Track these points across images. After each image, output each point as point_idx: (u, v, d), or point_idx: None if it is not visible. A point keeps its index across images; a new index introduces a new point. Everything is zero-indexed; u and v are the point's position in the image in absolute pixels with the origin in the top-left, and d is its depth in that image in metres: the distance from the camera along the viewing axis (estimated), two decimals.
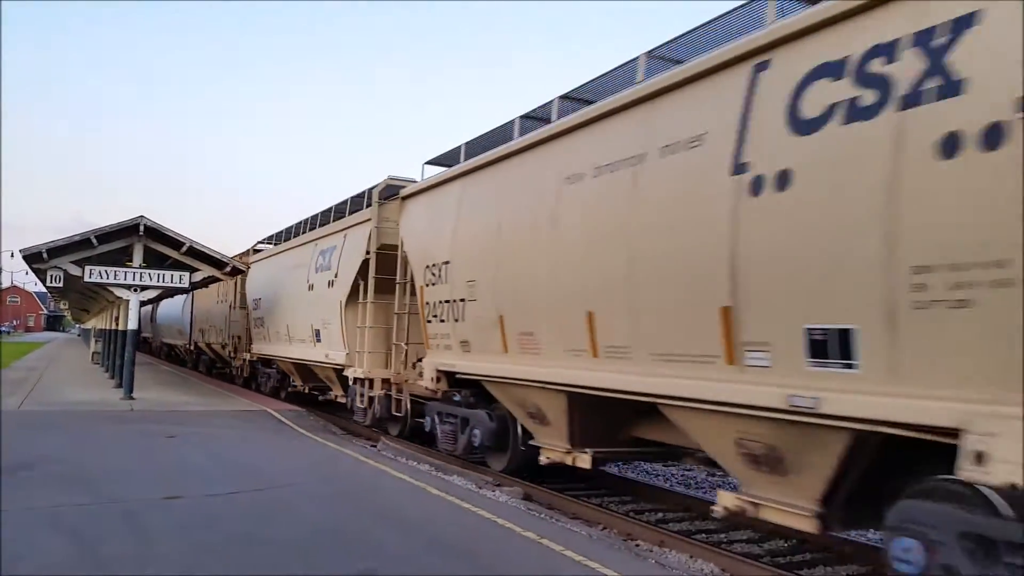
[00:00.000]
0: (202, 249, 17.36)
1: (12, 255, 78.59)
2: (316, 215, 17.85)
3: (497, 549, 6.31)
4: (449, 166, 11.64)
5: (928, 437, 4.84)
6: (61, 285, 18.22)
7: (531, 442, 9.72)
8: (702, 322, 6.35)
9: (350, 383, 14.31)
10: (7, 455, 9.43)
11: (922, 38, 4.86)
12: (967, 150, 4.52)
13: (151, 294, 18.15)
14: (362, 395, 13.84)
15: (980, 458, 4.42)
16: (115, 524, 6.55)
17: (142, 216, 16.43)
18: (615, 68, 8.29)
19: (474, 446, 10.50)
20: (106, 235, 16.42)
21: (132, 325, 17.40)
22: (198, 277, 17.96)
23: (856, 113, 5.21)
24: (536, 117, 9.72)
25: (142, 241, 16.91)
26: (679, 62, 7.39)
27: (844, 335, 5.27)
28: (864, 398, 5.11)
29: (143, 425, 12.95)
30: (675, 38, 7.56)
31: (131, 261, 16.93)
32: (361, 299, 13.70)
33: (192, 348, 30.08)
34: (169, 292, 23.21)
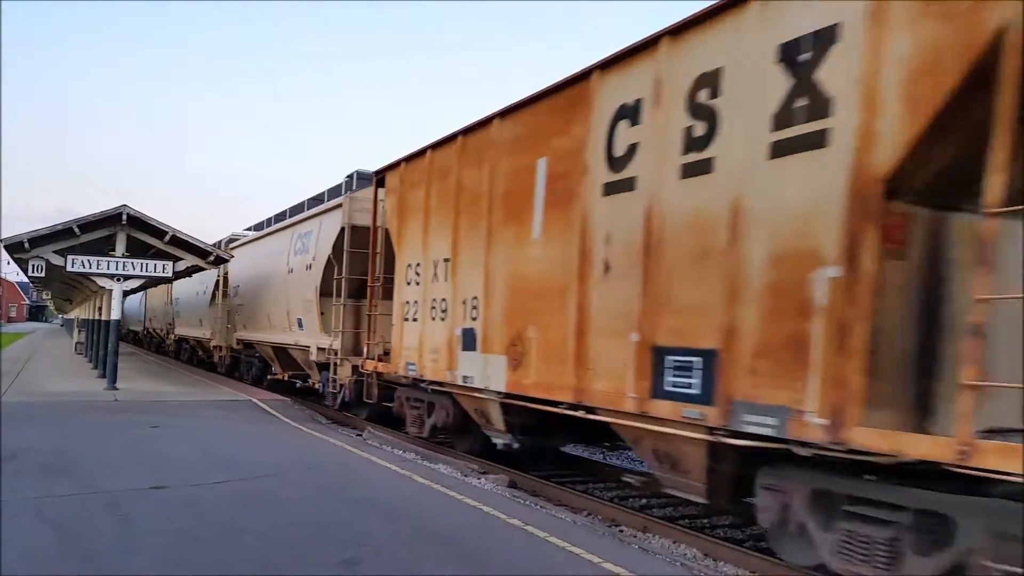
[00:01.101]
0: (185, 238, 17.26)
1: None
2: None
3: (482, 536, 6.36)
4: (258, 228, 22.28)
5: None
6: (43, 275, 18.05)
7: (274, 370, 19.32)
8: (285, 316, 16.84)
9: (212, 349, 24.20)
10: None
11: (298, 234, 16.98)
12: (299, 271, 16.50)
13: (134, 284, 18.06)
14: (219, 356, 23.61)
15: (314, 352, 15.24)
16: (99, 514, 6.55)
17: (125, 205, 16.30)
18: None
19: (253, 373, 21.10)
20: (88, 224, 16.30)
21: (115, 315, 17.30)
22: (182, 266, 17.84)
23: (297, 263, 16.67)
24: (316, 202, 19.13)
25: (125, 230, 16.79)
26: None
27: (300, 320, 16.01)
28: (305, 339, 15.74)
29: (127, 415, 12.92)
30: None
31: (114, 250, 16.83)
32: (216, 302, 23.04)
33: (145, 332, 41.39)
34: (152, 282, 23.11)
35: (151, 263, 17.15)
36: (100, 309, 23.48)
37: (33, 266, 16.90)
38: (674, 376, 6.49)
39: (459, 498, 7.71)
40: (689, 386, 6.33)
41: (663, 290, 6.67)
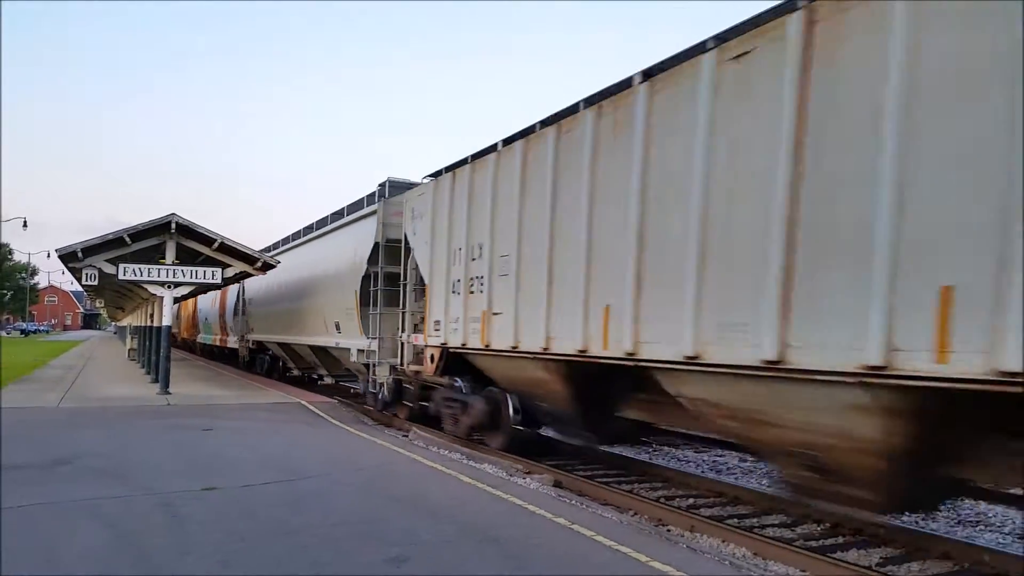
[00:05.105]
0: (233, 245, 17.56)
1: (49, 255, 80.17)
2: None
3: (528, 535, 6.34)
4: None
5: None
6: (96, 283, 18.50)
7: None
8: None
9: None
10: (48, 450, 9.68)
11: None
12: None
13: (184, 290, 18.43)
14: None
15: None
16: (153, 515, 6.69)
17: (174, 214, 16.65)
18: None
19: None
20: (139, 233, 16.67)
21: (167, 321, 17.66)
22: (230, 273, 18.16)
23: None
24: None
25: (174, 238, 17.15)
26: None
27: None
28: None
29: (179, 419, 13.17)
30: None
31: (164, 258, 17.18)
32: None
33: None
34: (202, 288, 23.55)
35: (200, 270, 17.48)
36: (152, 316, 23.98)
37: (87, 275, 17.34)
38: None
39: (505, 497, 7.71)
40: None
41: None
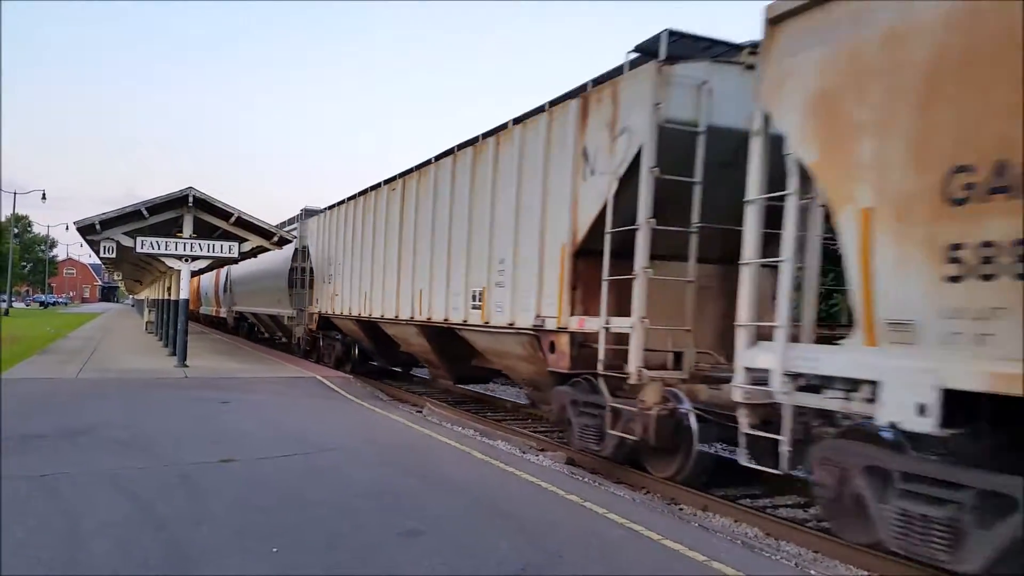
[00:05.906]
0: (250, 219, 17.64)
1: (68, 228, 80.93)
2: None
3: (540, 512, 6.39)
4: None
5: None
6: (114, 256, 18.66)
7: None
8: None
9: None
10: (68, 421, 9.82)
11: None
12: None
13: (201, 264, 18.54)
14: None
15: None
16: (171, 485, 6.78)
17: (191, 187, 16.72)
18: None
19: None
20: (157, 206, 16.78)
21: (184, 295, 17.79)
22: (247, 247, 18.26)
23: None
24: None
25: (192, 212, 17.24)
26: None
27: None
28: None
29: (197, 392, 13.31)
30: None
31: (181, 232, 17.28)
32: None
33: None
34: (220, 262, 23.72)
35: (217, 244, 17.58)
36: (169, 289, 24.18)
37: (105, 248, 17.48)
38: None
39: (518, 474, 7.76)
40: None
41: None
